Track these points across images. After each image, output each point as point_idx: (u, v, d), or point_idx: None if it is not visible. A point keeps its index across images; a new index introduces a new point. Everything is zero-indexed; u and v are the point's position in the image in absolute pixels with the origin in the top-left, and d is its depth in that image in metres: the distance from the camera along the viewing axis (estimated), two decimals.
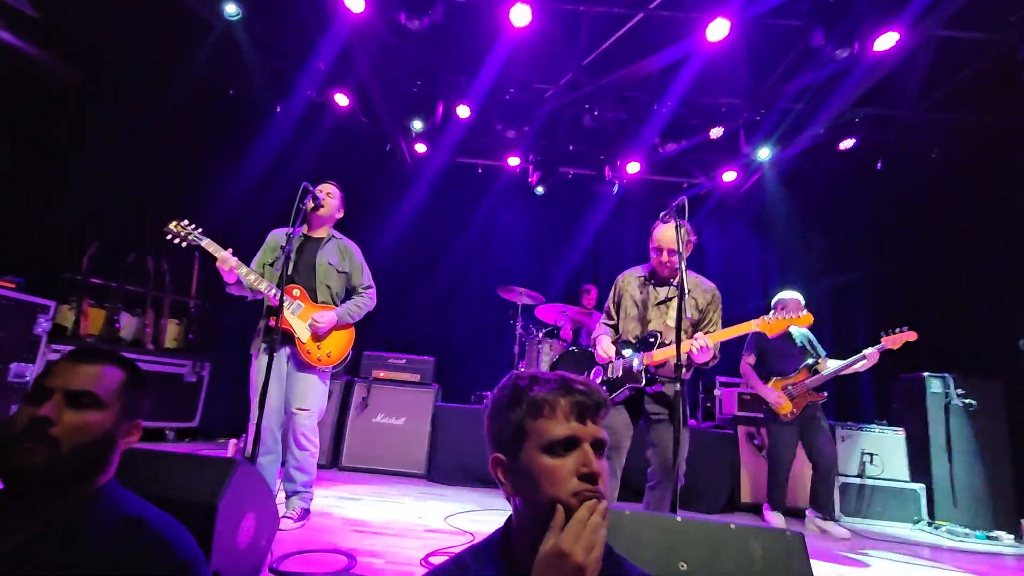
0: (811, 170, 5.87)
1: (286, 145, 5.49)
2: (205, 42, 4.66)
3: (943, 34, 3.99)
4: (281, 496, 2.59)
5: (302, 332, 2.63)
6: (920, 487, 4.17)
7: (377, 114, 5.55)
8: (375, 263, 3.08)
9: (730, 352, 3.03)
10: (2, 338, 3.57)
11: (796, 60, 4.52)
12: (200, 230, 2.58)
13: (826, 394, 3.73)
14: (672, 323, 2.43)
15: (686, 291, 2.11)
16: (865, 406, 5.58)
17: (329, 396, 2.87)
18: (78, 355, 0.98)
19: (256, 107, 5.36)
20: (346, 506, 3.07)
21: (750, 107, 5.05)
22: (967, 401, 4.24)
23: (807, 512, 3.73)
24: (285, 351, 2.65)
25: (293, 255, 2.57)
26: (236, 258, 2.55)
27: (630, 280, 2.73)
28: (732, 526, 1.35)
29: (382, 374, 4.47)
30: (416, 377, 4.48)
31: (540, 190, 6.29)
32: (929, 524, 4.03)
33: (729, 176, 5.93)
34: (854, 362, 3.54)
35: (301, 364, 2.64)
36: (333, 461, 4.26)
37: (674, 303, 2.49)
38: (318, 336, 2.65)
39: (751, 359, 3.92)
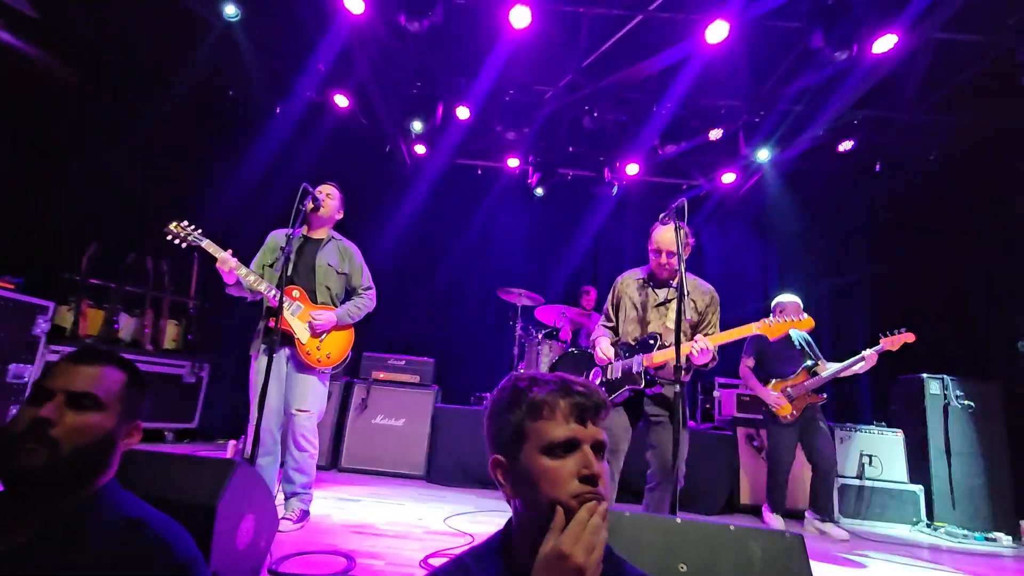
0: (810, 172, 5.88)
1: (285, 146, 5.49)
2: (204, 43, 4.66)
3: (941, 36, 4.00)
4: (280, 497, 2.58)
5: (302, 333, 2.63)
6: (919, 488, 4.18)
7: (377, 115, 5.55)
8: (375, 264, 3.08)
9: (729, 354, 3.03)
10: (1, 339, 3.56)
11: (795, 62, 4.53)
12: (200, 231, 2.57)
13: (825, 396, 3.74)
14: (672, 325, 2.43)
15: (685, 293, 2.11)
16: (864, 408, 5.57)
17: (329, 397, 2.86)
18: (79, 356, 0.98)
19: (255, 108, 5.36)
20: (346, 507, 3.07)
21: (749, 109, 5.05)
22: (965, 403, 4.25)
23: (806, 514, 3.73)
24: (285, 352, 2.64)
25: (292, 256, 2.56)
26: (236, 259, 2.55)
27: (629, 282, 2.73)
28: (732, 528, 1.35)
29: (382, 375, 4.47)
30: (416, 378, 4.48)
31: (539, 191, 6.30)
32: (928, 525, 4.04)
33: (728, 178, 5.93)
34: (853, 364, 3.55)
35: (301, 365, 2.64)
36: (332, 462, 4.26)
37: (673, 305, 2.49)
38: (316, 333, 2.65)
39: (750, 362, 3.92)
